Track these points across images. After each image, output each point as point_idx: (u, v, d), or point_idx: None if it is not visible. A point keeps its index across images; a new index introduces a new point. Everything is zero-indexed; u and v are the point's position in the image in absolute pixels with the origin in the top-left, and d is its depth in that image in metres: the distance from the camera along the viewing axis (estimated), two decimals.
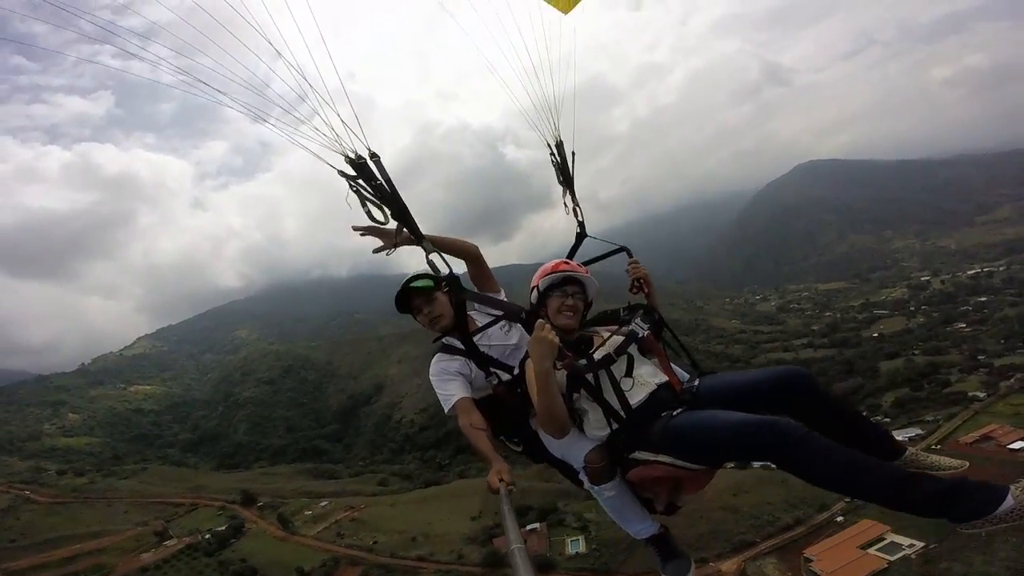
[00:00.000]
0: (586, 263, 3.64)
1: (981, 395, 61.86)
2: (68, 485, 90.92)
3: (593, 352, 2.86)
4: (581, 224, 3.93)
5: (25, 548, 64.76)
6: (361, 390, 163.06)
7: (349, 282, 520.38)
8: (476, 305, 3.44)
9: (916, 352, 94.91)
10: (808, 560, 38.72)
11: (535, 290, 3.22)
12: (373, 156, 2.79)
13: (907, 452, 2.57)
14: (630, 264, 3.39)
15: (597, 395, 2.75)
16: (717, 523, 46.29)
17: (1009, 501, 1.98)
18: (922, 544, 35.27)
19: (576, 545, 51.65)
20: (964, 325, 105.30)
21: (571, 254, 3.75)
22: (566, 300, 3.10)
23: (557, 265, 3.25)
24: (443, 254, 3.12)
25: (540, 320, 2.69)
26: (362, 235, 3.14)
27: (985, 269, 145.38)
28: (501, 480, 2.44)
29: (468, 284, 3.49)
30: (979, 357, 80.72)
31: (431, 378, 3.26)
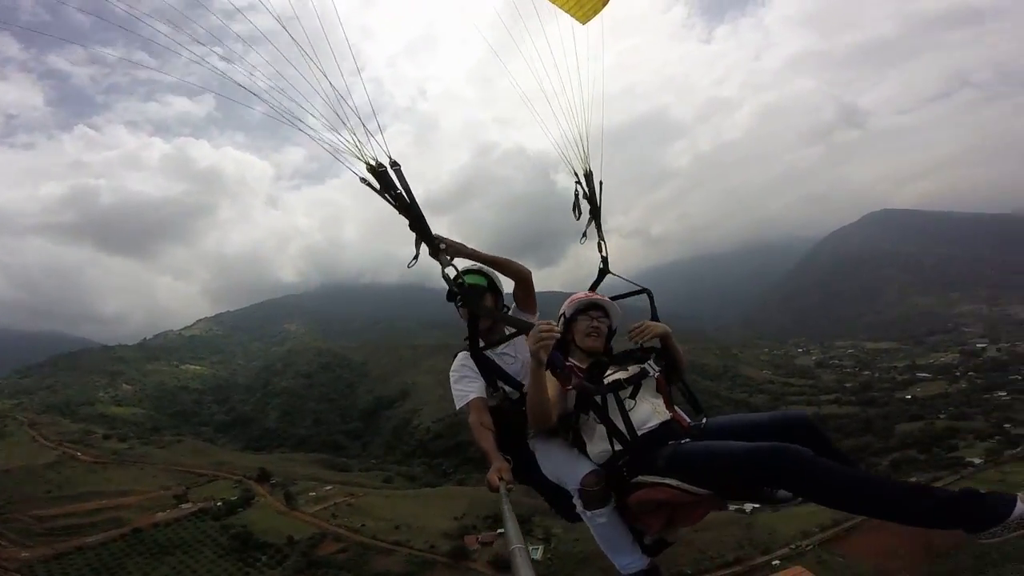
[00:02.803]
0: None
1: (978, 461, 60.24)
2: (109, 448, 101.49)
3: (603, 376, 2.95)
4: (605, 259, 3.93)
5: (57, 499, 73.53)
6: (388, 393, 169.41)
7: (396, 290, 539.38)
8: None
9: (941, 416, 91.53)
10: None
11: (562, 317, 3.34)
12: (394, 165, 2.85)
13: None
14: (632, 332, 3.21)
15: (603, 415, 2.77)
16: (664, 554, 48.18)
17: (1020, 506, 1.96)
18: None
19: (535, 553, 54.48)
20: (1004, 393, 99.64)
21: (592, 288, 3.79)
22: (591, 323, 3.22)
23: (584, 295, 3.41)
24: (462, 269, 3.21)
25: (543, 322, 2.64)
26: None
27: None
28: (501, 479, 2.49)
29: (509, 301, 3.62)
30: (1005, 425, 77.49)
31: (451, 372, 3.34)
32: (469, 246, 3.24)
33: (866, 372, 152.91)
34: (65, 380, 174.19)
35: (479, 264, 3.44)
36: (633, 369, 3.02)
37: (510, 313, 3.55)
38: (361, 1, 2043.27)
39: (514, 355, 3.39)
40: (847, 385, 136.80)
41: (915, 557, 41.92)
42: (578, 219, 4.00)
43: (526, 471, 3.18)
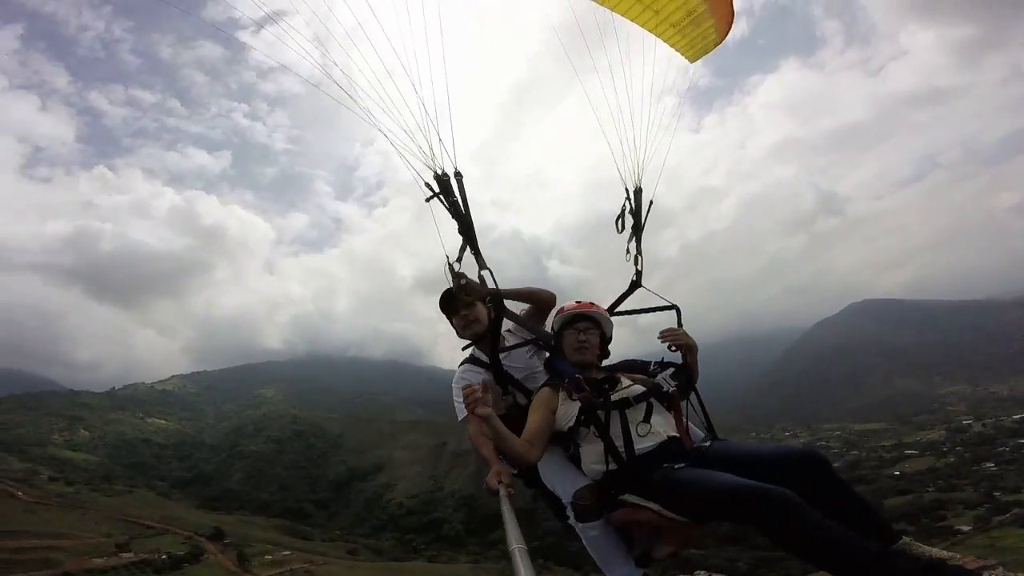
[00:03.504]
0: (632, 312, 3.81)
1: (967, 528, 57.86)
2: (54, 491, 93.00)
3: (612, 391, 2.90)
4: (639, 273, 3.94)
5: None
6: (362, 466, 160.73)
7: (381, 365, 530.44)
8: (511, 327, 3.56)
9: (930, 489, 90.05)
10: None
11: (552, 330, 3.35)
12: (457, 175, 3.03)
13: (901, 540, 2.49)
14: (665, 332, 3.18)
15: (603, 432, 2.75)
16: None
17: None
18: None
19: None
20: (992, 464, 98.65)
21: (620, 300, 3.84)
22: (578, 336, 3.16)
23: (571, 307, 3.33)
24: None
25: (469, 387, 2.64)
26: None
27: None
28: (500, 482, 2.47)
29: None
30: (995, 494, 75.97)
31: (453, 385, 3.37)
32: (489, 287, 3.32)
33: (854, 451, 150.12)
34: (20, 419, 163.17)
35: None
36: (645, 384, 2.99)
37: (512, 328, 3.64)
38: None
39: (519, 365, 3.45)
40: (836, 465, 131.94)
41: None
42: (620, 232, 4.07)
43: (532, 475, 3.20)
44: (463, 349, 3.53)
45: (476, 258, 3.26)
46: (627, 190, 4.06)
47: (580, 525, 2.91)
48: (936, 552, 2.40)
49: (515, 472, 3.05)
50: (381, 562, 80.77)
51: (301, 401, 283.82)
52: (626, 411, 2.81)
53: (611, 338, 3.34)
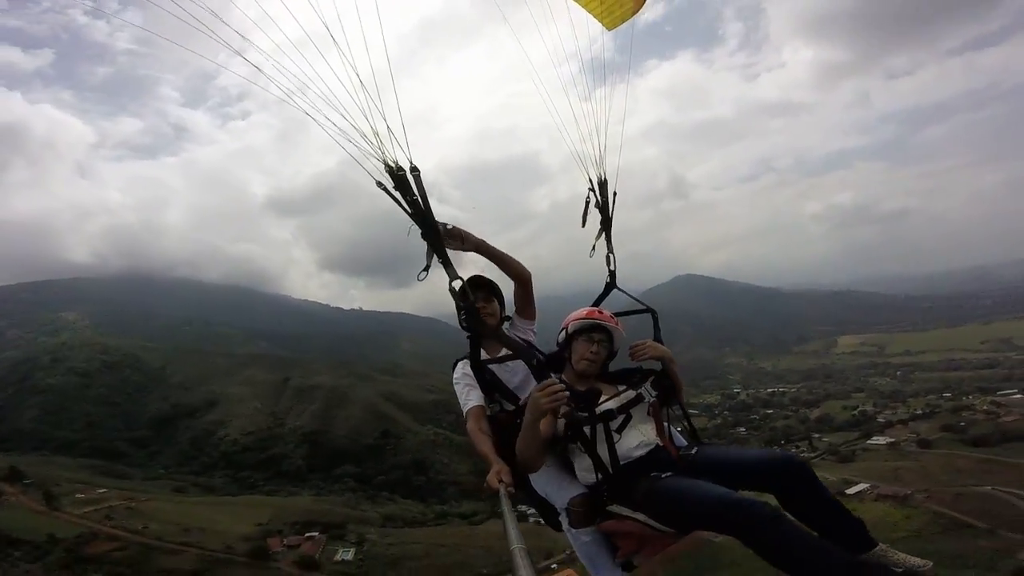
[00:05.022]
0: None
1: None
2: None
3: (597, 405, 2.88)
4: (612, 274, 3.86)
5: None
6: (189, 402, 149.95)
7: (219, 289, 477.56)
8: (508, 328, 3.54)
9: None
10: None
11: (564, 331, 3.29)
12: (414, 170, 2.76)
13: (877, 547, 2.60)
14: (635, 348, 3.24)
15: (590, 448, 2.79)
16: (469, 556, 54.26)
17: None
18: None
19: (347, 554, 56.32)
20: (743, 429, 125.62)
21: (597, 303, 3.76)
22: (591, 346, 3.17)
23: (590, 313, 3.31)
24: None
25: (551, 379, 2.60)
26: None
27: (780, 389, 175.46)
28: (501, 481, 2.47)
29: (511, 302, 3.65)
30: None
31: (456, 380, 3.37)
32: (475, 235, 3.22)
33: None
34: None
35: (479, 275, 3.51)
36: (627, 395, 3.06)
37: (512, 319, 3.65)
38: None
39: (514, 368, 3.42)
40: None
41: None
42: (583, 227, 3.93)
43: (524, 481, 3.22)
44: (464, 332, 3.25)
45: (446, 268, 2.88)
46: (590, 180, 3.87)
47: (573, 531, 2.99)
48: (912, 560, 2.53)
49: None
50: (211, 496, 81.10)
51: (114, 327, 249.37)
52: (609, 423, 2.87)
53: (616, 353, 3.33)
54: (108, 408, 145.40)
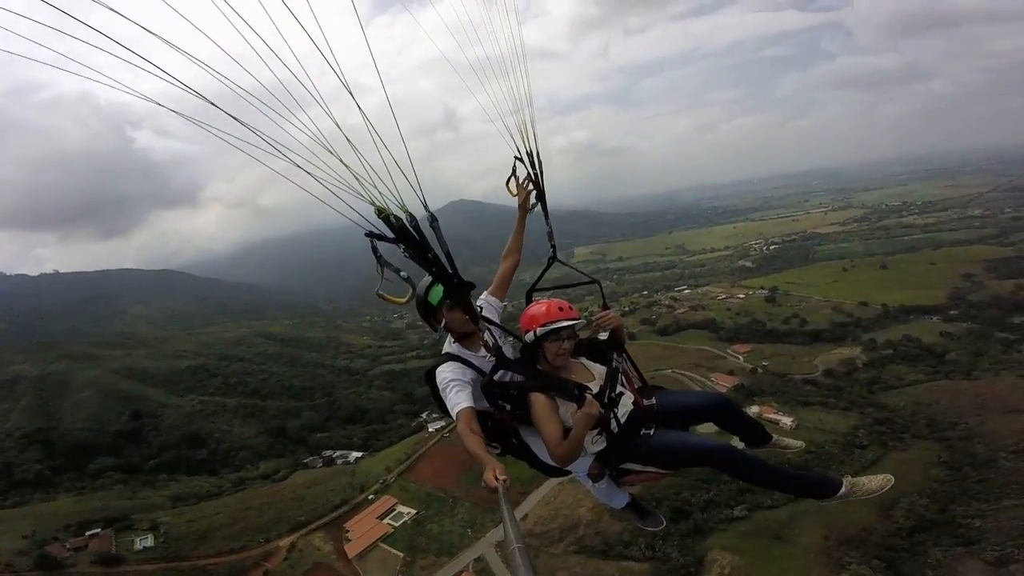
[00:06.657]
0: (554, 288, 4.11)
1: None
2: None
3: (605, 396, 3.48)
4: (554, 248, 4.25)
5: None
6: None
7: None
8: (487, 326, 3.62)
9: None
10: (345, 531, 51.45)
11: (532, 332, 3.57)
12: (432, 219, 2.66)
13: (774, 438, 4.00)
14: (597, 319, 3.80)
15: (608, 429, 3.47)
16: (283, 510, 57.57)
17: (844, 487, 3.38)
18: (415, 512, 51.98)
19: (145, 541, 54.41)
20: None
21: (539, 278, 4.21)
22: (562, 344, 3.57)
23: (556, 316, 3.55)
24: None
25: (591, 400, 3.24)
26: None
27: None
28: (498, 479, 2.54)
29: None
30: None
31: (444, 382, 3.46)
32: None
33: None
34: None
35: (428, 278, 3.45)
36: (605, 371, 3.63)
37: (482, 306, 3.94)
38: None
39: (487, 355, 3.60)
40: (425, 342, 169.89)
41: (456, 477, 57.33)
42: (514, 196, 4.17)
43: (504, 441, 3.65)
44: (442, 334, 3.47)
45: (472, 318, 3.02)
46: (518, 152, 3.83)
47: (592, 484, 3.78)
48: (792, 441, 4.10)
49: (498, 451, 3.62)
50: None
51: None
52: (615, 408, 3.51)
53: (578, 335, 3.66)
54: None
